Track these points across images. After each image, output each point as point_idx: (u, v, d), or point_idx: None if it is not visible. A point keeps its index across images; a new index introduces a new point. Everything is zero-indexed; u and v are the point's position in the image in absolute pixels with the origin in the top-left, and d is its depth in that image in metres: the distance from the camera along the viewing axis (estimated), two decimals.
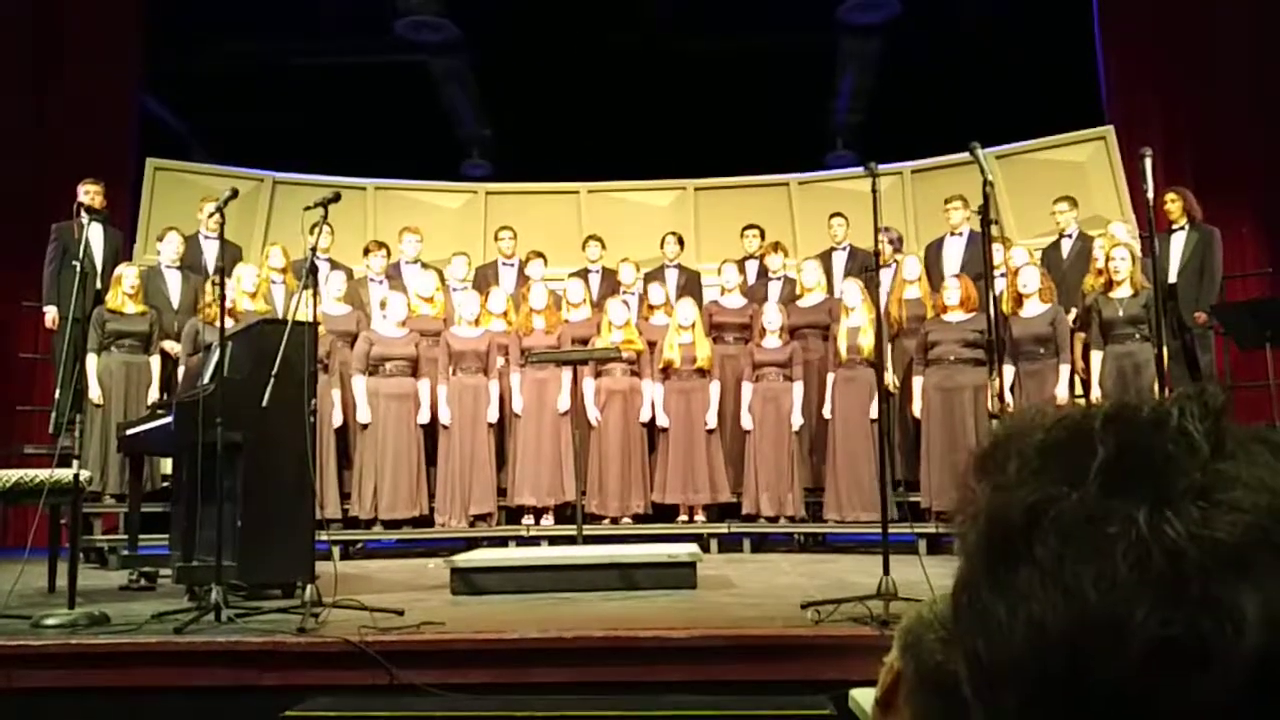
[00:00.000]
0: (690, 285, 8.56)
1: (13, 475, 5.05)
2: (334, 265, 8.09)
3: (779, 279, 8.34)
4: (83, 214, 5.61)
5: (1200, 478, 0.49)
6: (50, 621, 4.13)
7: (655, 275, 8.52)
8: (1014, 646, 0.50)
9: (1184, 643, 0.46)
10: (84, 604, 4.42)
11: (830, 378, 7.41)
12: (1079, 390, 7.06)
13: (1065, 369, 6.85)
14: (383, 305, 7.75)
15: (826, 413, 7.39)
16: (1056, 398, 6.73)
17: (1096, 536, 0.49)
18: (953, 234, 8.09)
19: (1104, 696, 0.48)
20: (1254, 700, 0.45)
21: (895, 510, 6.43)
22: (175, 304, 7.69)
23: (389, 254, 8.38)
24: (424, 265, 8.46)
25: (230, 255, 8.09)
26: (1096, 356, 6.88)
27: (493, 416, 7.53)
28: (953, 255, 8.04)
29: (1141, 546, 0.48)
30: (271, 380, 4.35)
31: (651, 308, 7.95)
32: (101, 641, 3.93)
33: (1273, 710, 0.46)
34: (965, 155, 4.61)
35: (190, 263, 7.91)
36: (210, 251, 7.95)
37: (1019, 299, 6.99)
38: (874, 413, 7.08)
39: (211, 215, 7.39)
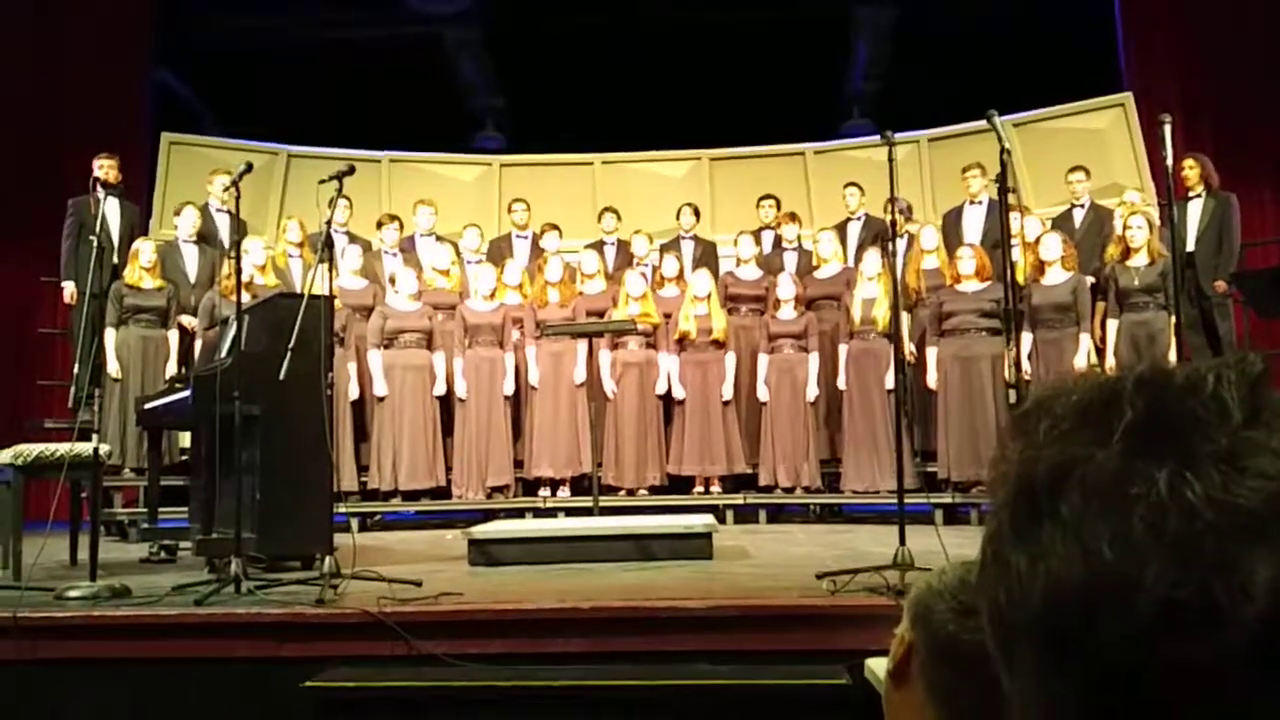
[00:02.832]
0: (706, 256, 8.52)
1: (34, 449, 5.10)
2: (351, 239, 8.10)
3: (794, 250, 8.31)
4: (98, 189, 5.63)
5: (1227, 443, 0.49)
6: (72, 594, 4.17)
7: (671, 247, 8.49)
8: (1032, 600, 0.51)
9: (1192, 604, 0.46)
10: (105, 577, 4.46)
11: (843, 349, 7.39)
12: (1094, 360, 7.03)
13: (1086, 338, 6.82)
14: (392, 281, 7.75)
15: (841, 384, 7.38)
16: (1076, 367, 6.70)
17: (1118, 497, 0.49)
18: (972, 202, 8.03)
19: (1114, 654, 0.48)
20: (1258, 665, 0.46)
21: (912, 480, 6.42)
22: (192, 278, 7.71)
23: (402, 227, 8.38)
24: (438, 238, 8.45)
25: (240, 229, 8.12)
26: (1112, 325, 6.85)
27: (509, 389, 7.55)
28: (972, 224, 7.98)
29: (1159, 508, 0.48)
30: (288, 354, 4.36)
31: (664, 279, 7.94)
32: (123, 614, 3.97)
33: (1275, 675, 0.46)
34: (982, 123, 4.57)
35: (204, 235, 7.93)
36: (223, 224, 7.98)
37: (1040, 267, 6.95)
38: (889, 383, 7.07)
39: (226, 189, 7.40)
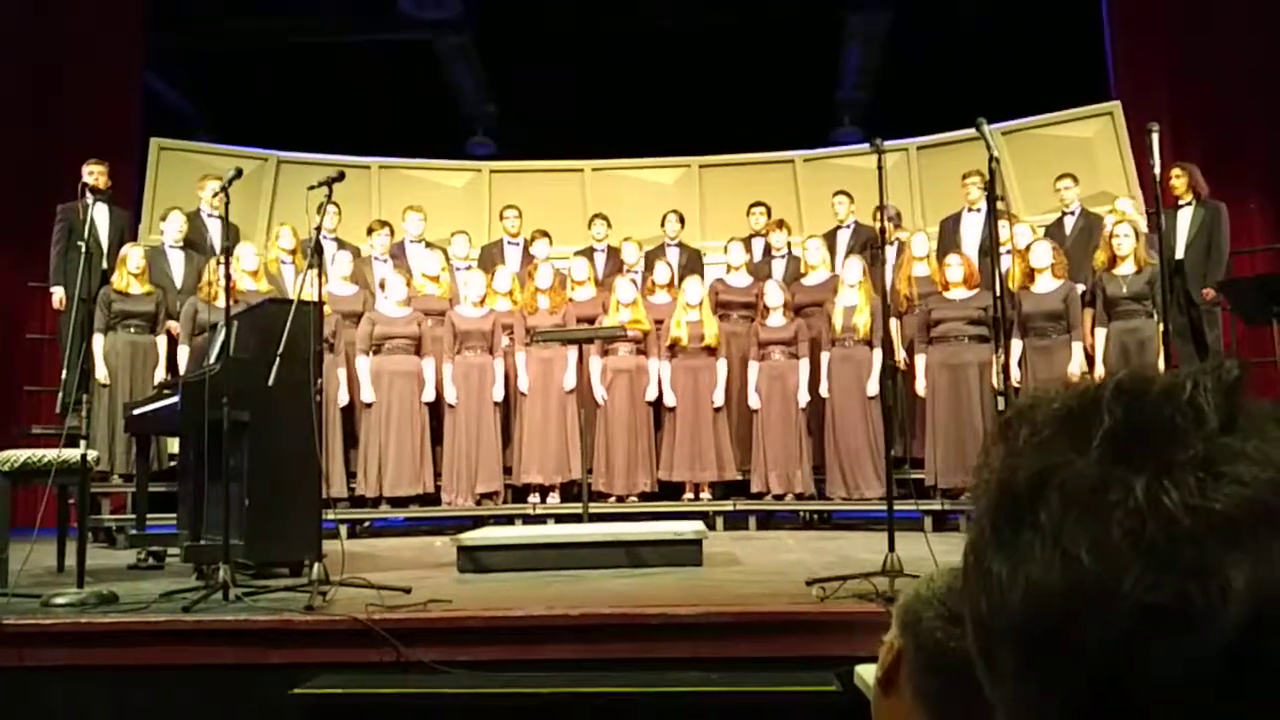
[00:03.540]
0: (692, 263, 8.54)
1: (21, 455, 5.07)
2: (341, 245, 8.10)
3: (782, 257, 8.33)
4: (87, 195, 5.60)
5: (1204, 449, 0.49)
6: (59, 600, 4.15)
7: (657, 254, 8.50)
8: (1012, 607, 0.51)
9: (1169, 609, 0.47)
10: (93, 583, 4.43)
11: (825, 356, 7.40)
12: (1085, 367, 7.05)
13: (1079, 346, 6.84)
14: (382, 286, 7.76)
15: (823, 391, 7.38)
16: (1069, 374, 6.71)
17: (1097, 503, 0.50)
18: (970, 209, 8.04)
19: (1093, 658, 0.49)
20: (1233, 669, 0.46)
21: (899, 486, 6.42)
22: (178, 284, 7.69)
23: (392, 233, 8.38)
24: (428, 244, 8.45)
25: (232, 235, 8.12)
26: (1101, 333, 6.88)
27: (498, 395, 7.55)
28: (970, 230, 7.99)
29: (1137, 514, 0.49)
30: (277, 359, 4.35)
31: (655, 286, 7.94)
32: (110, 620, 3.95)
33: (1251, 679, 0.46)
34: (972, 131, 4.58)
35: (193, 240, 7.90)
36: (214, 230, 7.96)
37: (1030, 274, 6.97)
38: (872, 390, 7.09)
39: (216, 195, 7.39)
